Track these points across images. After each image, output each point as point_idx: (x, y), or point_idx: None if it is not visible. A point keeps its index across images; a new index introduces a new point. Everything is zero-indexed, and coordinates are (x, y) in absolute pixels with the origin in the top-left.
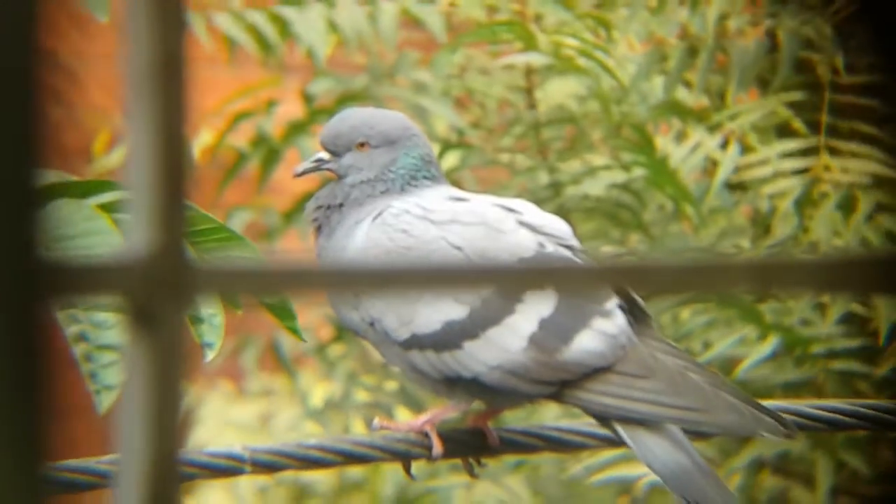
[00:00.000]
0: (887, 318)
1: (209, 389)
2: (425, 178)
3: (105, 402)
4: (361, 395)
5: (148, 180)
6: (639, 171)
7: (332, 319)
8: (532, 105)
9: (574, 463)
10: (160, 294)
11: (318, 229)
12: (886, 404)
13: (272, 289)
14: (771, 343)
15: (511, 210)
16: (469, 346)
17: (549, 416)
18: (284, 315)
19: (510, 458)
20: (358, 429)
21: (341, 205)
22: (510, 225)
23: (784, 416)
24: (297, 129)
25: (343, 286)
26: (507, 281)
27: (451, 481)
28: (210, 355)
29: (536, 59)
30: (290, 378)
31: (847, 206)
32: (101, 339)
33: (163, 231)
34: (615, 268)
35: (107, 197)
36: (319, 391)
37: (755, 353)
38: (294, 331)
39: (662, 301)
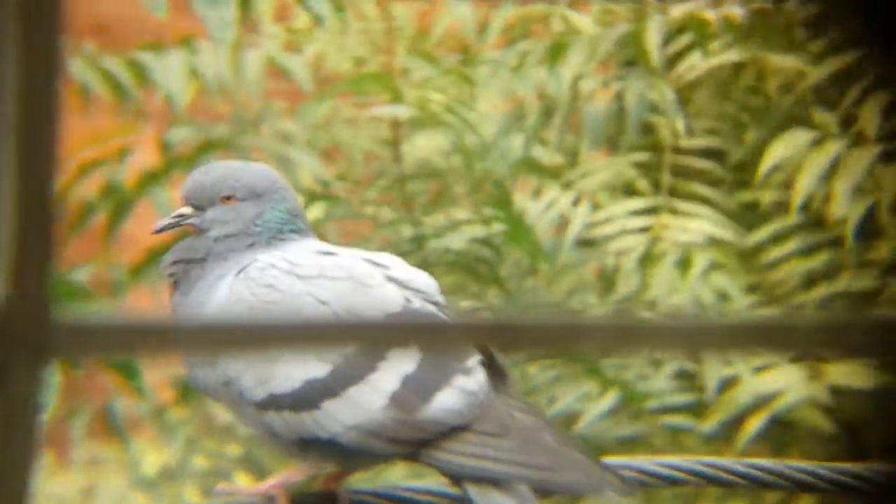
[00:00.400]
0: (715, 374)
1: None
2: (292, 231)
3: None
4: (201, 462)
5: (7, 225)
6: (498, 227)
7: (175, 381)
8: (397, 158)
9: None
10: (14, 353)
11: (175, 285)
12: (720, 460)
13: (139, 347)
14: (610, 398)
15: (378, 265)
16: (328, 405)
17: (397, 475)
18: (129, 373)
19: None
20: (193, 498)
21: (203, 259)
22: (377, 280)
23: (625, 472)
24: (151, 179)
25: (212, 344)
26: (373, 337)
27: None
28: (43, 413)
29: (402, 112)
30: (122, 445)
31: (684, 264)
32: None
33: (21, 284)
34: (482, 325)
35: None
36: (153, 459)
37: (595, 408)
38: (139, 390)
39: (512, 357)
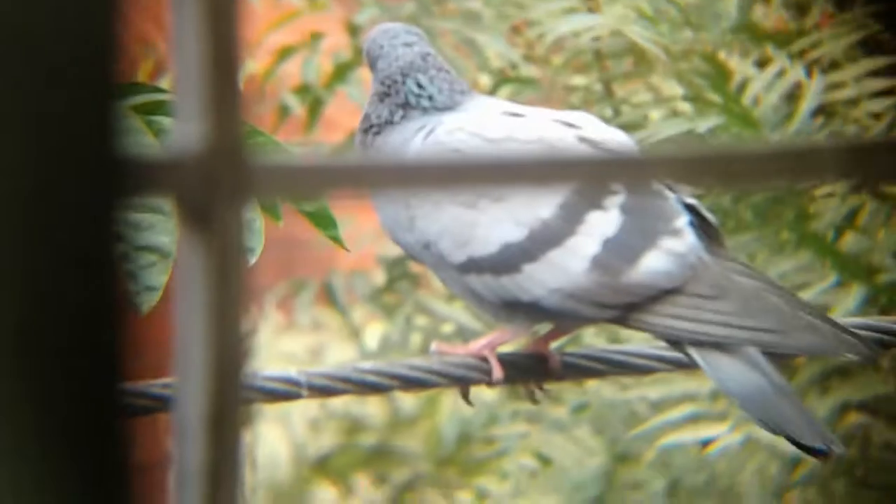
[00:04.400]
0: None
1: (258, 319)
2: (428, 98)
3: (146, 302)
4: (416, 338)
5: (199, 67)
6: (713, 119)
7: (385, 262)
8: (594, 37)
9: (643, 406)
10: (218, 192)
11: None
12: None
13: (336, 186)
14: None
15: (570, 125)
16: (529, 268)
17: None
18: (325, 223)
19: (573, 397)
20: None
21: (389, 123)
22: (570, 142)
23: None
24: (344, 69)
25: (405, 183)
26: (586, 173)
27: (512, 430)
28: (252, 259)
29: None
30: (342, 318)
31: None
32: (141, 240)
33: (217, 124)
34: (692, 158)
35: (139, 99)
36: (373, 331)
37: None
38: (335, 239)
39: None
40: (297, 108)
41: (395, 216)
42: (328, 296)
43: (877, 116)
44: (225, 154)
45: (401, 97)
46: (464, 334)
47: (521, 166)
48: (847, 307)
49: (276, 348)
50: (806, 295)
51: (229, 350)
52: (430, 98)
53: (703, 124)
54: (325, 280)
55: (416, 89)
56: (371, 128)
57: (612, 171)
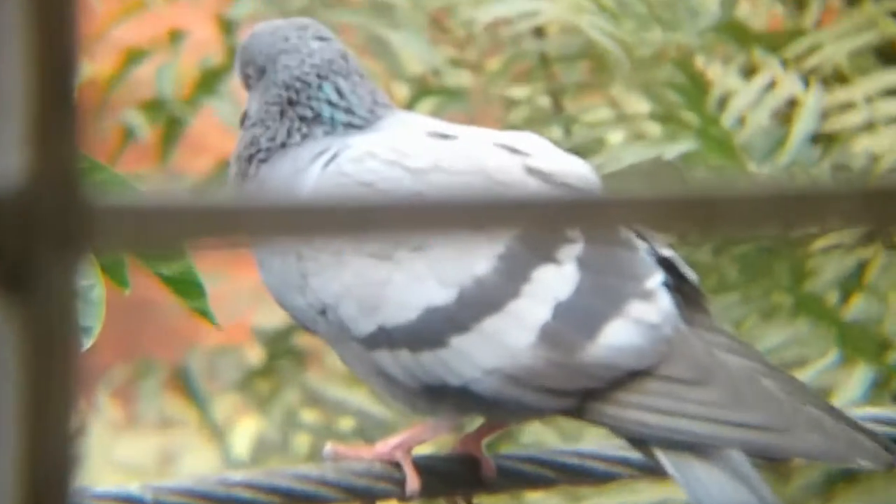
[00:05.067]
0: None
1: (89, 414)
2: (334, 115)
3: None
4: (303, 440)
5: (18, 76)
6: (686, 143)
7: (263, 334)
8: (537, 30)
9: None
10: (40, 244)
11: (241, 186)
12: None
13: (202, 234)
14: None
15: (514, 150)
16: (458, 342)
17: (553, 436)
18: (188, 291)
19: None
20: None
21: (272, 148)
22: (514, 173)
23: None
24: (212, 77)
25: (295, 229)
26: (534, 215)
27: None
28: (87, 342)
29: None
30: (200, 412)
31: None
32: None
33: (42, 153)
34: (663, 201)
35: None
36: (245, 429)
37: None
38: (203, 313)
39: (722, 300)
40: (149, 128)
41: (281, 272)
42: (183, 382)
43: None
44: (51, 193)
45: (310, 108)
46: (368, 431)
47: (451, 206)
48: (851, 392)
49: (113, 454)
50: (801, 374)
51: (49, 458)
52: (349, 111)
53: (674, 149)
54: (179, 360)
55: (334, 97)
56: (258, 152)
57: (567, 214)
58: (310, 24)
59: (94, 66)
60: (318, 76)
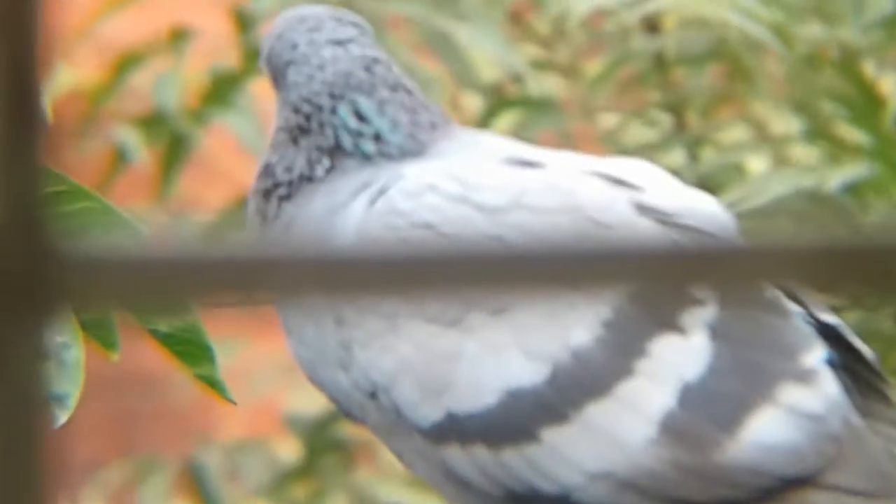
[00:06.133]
0: None
1: None
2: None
3: None
4: None
5: None
6: (858, 167)
7: (298, 423)
8: (652, 25)
9: None
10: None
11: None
12: None
13: (213, 288)
14: None
15: (621, 182)
16: (552, 436)
17: None
18: (193, 355)
19: None
20: None
21: (305, 178)
22: (622, 211)
23: None
24: (227, 86)
25: (334, 285)
26: (651, 269)
27: None
28: (62, 416)
29: None
30: None
31: None
32: None
33: (2, 182)
34: (817, 250)
35: None
36: None
37: None
38: (212, 383)
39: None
40: (147, 149)
41: (317, 342)
42: (196, 483)
43: None
44: (14, 234)
45: (328, 136)
46: None
47: (539, 256)
48: None
49: None
50: None
51: None
52: (379, 137)
53: (839, 176)
54: (190, 456)
55: (353, 122)
56: (276, 187)
57: (693, 267)
58: (328, 20)
59: (77, 72)
60: (331, 95)
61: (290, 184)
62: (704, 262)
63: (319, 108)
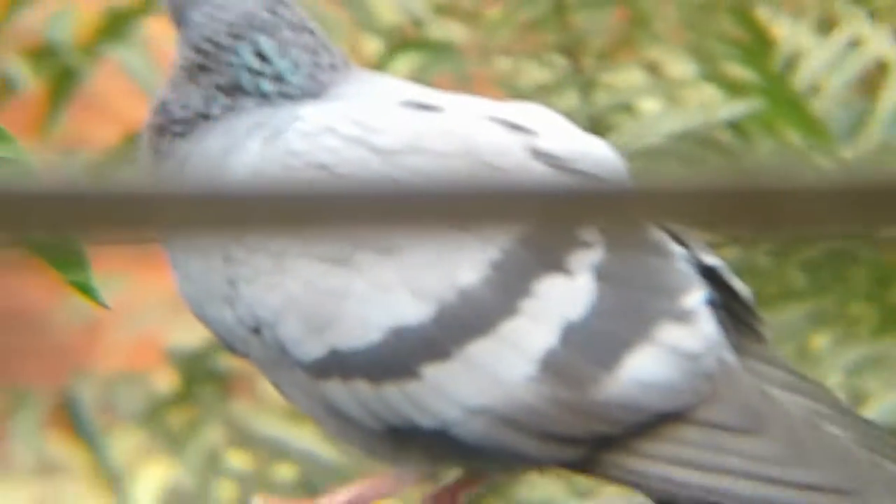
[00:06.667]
0: None
1: None
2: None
3: None
4: (227, 490)
5: None
6: (747, 103)
7: (177, 356)
8: None
9: None
10: None
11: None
12: None
13: (101, 221)
14: None
15: (516, 127)
16: (434, 372)
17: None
18: (67, 263)
19: None
20: None
21: (201, 116)
22: (516, 155)
23: None
24: (120, 22)
25: (225, 221)
26: (541, 210)
27: None
28: None
29: None
30: (92, 454)
31: None
32: None
33: None
34: (708, 191)
35: None
36: (150, 477)
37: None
38: (85, 290)
39: (784, 316)
40: (35, 84)
41: (203, 278)
42: (70, 415)
43: None
44: None
45: (227, 74)
46: (312, 481)
47: (430, 197)
48: None
49: None
50: (884, 408)
51: None
52: (279, 78)
53: (729, 111)
54: (65, 389)
55: (255, 62)
56: (171, 124)
57: (582, 209)
58: None
59: None
60: (232, 35)
61: (185, 121)
62: (592, 203)
63: (220, 48)
